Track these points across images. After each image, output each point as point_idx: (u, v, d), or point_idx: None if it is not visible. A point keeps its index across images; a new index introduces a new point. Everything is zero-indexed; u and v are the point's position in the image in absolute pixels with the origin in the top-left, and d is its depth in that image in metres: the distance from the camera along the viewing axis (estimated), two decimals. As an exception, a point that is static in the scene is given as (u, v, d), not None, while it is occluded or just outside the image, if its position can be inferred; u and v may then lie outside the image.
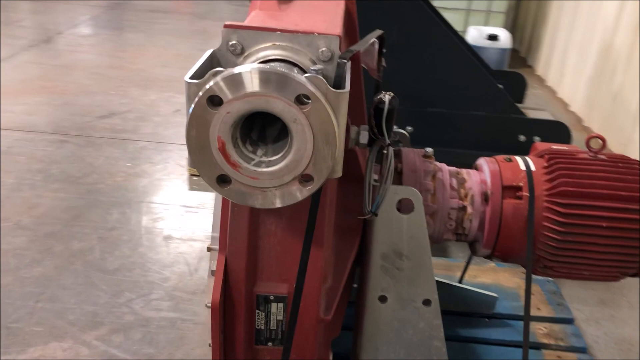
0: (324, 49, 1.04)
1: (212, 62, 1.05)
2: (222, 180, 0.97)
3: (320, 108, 0.91)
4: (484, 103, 3.07)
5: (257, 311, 1.29)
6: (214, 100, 0.91)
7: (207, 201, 3.19)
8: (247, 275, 1.24)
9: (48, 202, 3.08)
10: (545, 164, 1.62)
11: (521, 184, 1.59)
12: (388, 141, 1.27)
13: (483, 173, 1.67)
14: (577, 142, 1.79)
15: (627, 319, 2.49)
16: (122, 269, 2.60)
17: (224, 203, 1.25)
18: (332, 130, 0.93)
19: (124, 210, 3.08)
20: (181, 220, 3.04)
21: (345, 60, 1.02)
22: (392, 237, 1.45)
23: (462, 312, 2.20)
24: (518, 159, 1.66)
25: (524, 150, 1.79)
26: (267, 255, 1.25)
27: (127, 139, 3.93)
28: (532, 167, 1.62)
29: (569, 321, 2.27)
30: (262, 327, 1.31)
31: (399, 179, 1.61)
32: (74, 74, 5.16)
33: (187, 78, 0.93)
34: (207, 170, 0.96)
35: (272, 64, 1.00)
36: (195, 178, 3.43)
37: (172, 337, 2.23)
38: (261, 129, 1.03)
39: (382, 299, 1.49)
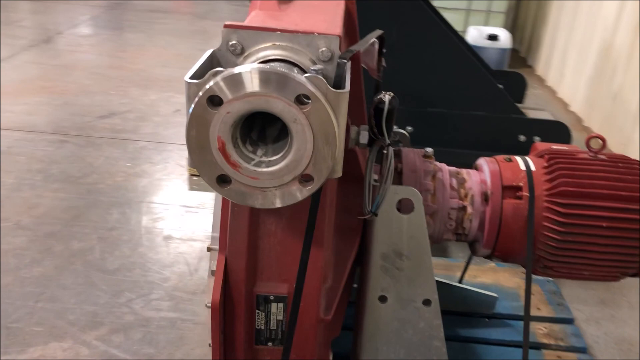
0: (324, 49, 1.04)
1: (212, 62, 1.05)
2: (222, 180, 0.97)
3: (320, 108, 0.91)
4: (484, 103, 3.07)
5: (257, 311, 1.29)
6: (214, 100, 0.91)
7: (207, 201, 3.19)
8: (247, 275, 1.24)
9: (48, 202, 3.08)
10: (545, 164, 1.62)
11: (521, 184, 1.59)
12: (388, 141, 1.27)
13: (483, 173, 1.67)
14: (577, 142, 1.79)
15: (627, 319, 2.49)
16: (122, 269, 2.60)
17: (224, 203, 1.25)
18: (332, 130, 0.93)
19: (124, 210, 3.08)
20: (181, 220, 3.04)
21: (345, 60, 1.03)
22: (392, 237, 1.45)
23: (462, 312, 2.20)
24: (518, 159, 1.66)
25: (524, 150, 1.80)
26: (267, 255, 1.25)
27: (127, 139, 3.93)
28: (532, 167, 1.62)
29: (569, 321, 2.27)
30: (262, 327, 1.31)
31: (399, 179, 1.61)
32: (74, 74, 5.16)
33: (187, 78, 0.93)
34: (207, 170, 0.96)
35: (272, 64, 1.00)
36: (195, 178, 3.43)
37: (172, 337, 2.23)
38: (261, 129, 1.03)
39: (382, 299, 1.49)
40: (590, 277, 1.62)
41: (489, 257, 1.69)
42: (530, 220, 1.55)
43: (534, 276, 1.63)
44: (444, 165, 1.69)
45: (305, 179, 0.96)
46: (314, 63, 1.05)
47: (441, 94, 3.05)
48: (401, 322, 1.51)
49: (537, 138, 2.96)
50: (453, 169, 1.70)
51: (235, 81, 0.90)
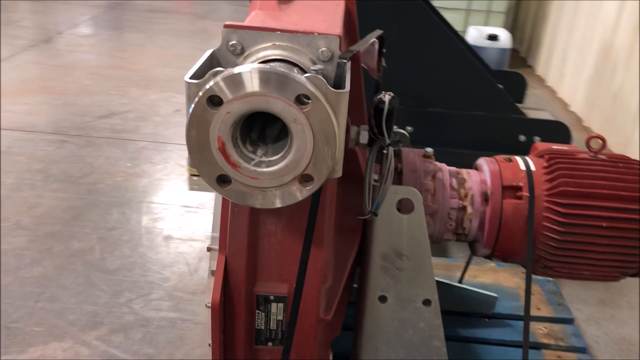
0: (324, 49, 1.04)
1: (212, 62, 1.05)
2: (222, 180, 0.97)
3: (320, 108, 0.91)
4: (484, 103, 3.07)
5: (257, 311, 1.29)
6: (214, 100, 0.91)
7: (207, 201, 3.19)
8: (247, 275, 1.24)
9: (48, 202, 3.08)
10: (545, 164, 1.62)
11: (521, 184, 1.59)
12: (388, 141, 1.27)
13: (483, 173, 1.67)
14: (577, 142, 1.79)
15: (627, 319, 2.49)
16: (122, 269, 2.60)
17: (224, 203, 1.25)
18: (332, 130, 0.93)
19: (124, 210, 3.08)
20: (181, 220, 3.04)
21: (345, 60, 1.03)
22: (392, 237, 1.45)
23: (462, 312, 2.20)
24: (518, 159, 1.66)
25: (524, 150, 1.79)
26: (267, 255, 1.25)
27: (127, 139, 3.93)
28: (532, 167, 1.62)
29: (569, 321, 2.27)
30: (262, 327, 1.31)
31: (399, 179, 1.61)
32: (74, 74, 5.16)
33: (187, 78, 0.93)
34: (207, 170, 0.96)
35: (272, 64, 1.00)
36: (195, 178, 3.43)
37: (172, 337, 2.23)
38: (261, 129, 1.03)
39: (382, 299, 1.49)
40: (590, 277, 1.62)
41: (489, 257, 1.69)
42: (530, 220, 1.55)
43: (534, 276, 1.63)
44: (444, 165, 1.69)
45: (305, 179, 0.96)
46: (314, 63, 1.05)
47: (441, 94, 3.05)
48: (401, 322, 1.51)
49: (537, 138, 2.96)
50: (453, 169, 1.70)
51: (235, 81, 0.90)
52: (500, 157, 1.69)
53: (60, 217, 2.96)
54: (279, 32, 1.05)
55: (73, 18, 7.13)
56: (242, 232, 1.21)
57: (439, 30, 3.04)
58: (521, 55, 6.62)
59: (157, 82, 5.04)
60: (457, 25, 4.59)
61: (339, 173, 0.99)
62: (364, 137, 1.25)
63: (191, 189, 3.39)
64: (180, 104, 4.55)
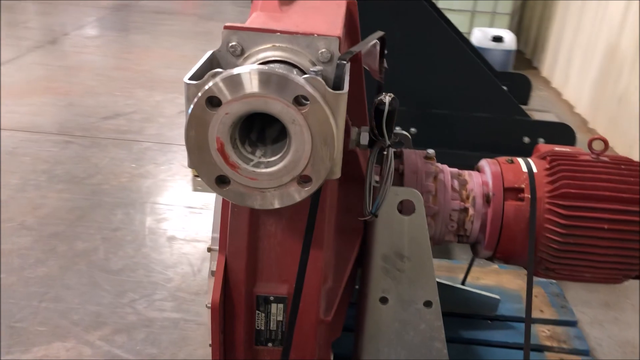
0: (323, 50, 1.04)
1: (212, 64, 1.06)
2: (221, 181, 0.98)
3: (318, 109, 0.92)
4: (488, 105, 3.06)
5: (257, 312, 1.29)
6: (213, 101, 0.92)
7: (211, 202, 3.16)
8: (247, 275, 1.25)
9: (53, 203, 3.10)
10: (547, 166, 1.61)
11: (523, 185, 1.59)
12: (388, 142, 1.27)
13: (485, 174, 1.67)
14: (582, 144, 1.78)
15: (631, 321, 2.48)
16: (125, 269, 2.61)
17: (224, 203, 1.25)
18: (330, 131, 0.93)
19: (128, 210, 3.09)
20: (185, 221, 3.05)
21: (344, 62, 1.03)
22: (393, 239, 1.45)
23: (464, 314, 2.19)
24: (520, 160, 1.66)
25: (528, 152, 1.79)
26: (267, 256, 1.25)
27: (131, 139, 3.95)
28: (534, 169, 1.61)
29: (572, 324, 2.26)
30: (262, 328, 1.31)
31: (400, 180, 1.61)
32: (80, 75, 5.18)
33: (186, 79, 0.94)
34: (206, 170, 0.97)
35: (271, 65, 1.00)
36: (199, 179, 3.43)
37: (175, 337, 2.23)
38: (261, 130, 1.03)
39: (383, 300, 1.49)
40: (591, 280, 1.61)
41: (491, 258, 1.69)
42: (531, 222, 1.55)
43: (537, 278, 1.63)
44: (445, 167, 1.69)
45: (303, 179, 0.97)
46: (314, 64, 1.05)
47: (445, 96, 3.05)
48: (402, 324, 1.51)
49: (541, 140, 2.95)
50: (455, 170, 1.70)
51: (234, 82, 0.91)
52: (502, 158, 1.69)
53: (65, 217, 2.97)
54: (278, 34, 1.05)
55: (79, 19, 7.17)
56: (242, 233, 1.22)
57: (443, 31, 3.03)
58: (526, 57, 6.61)
59: (162, 83, 5.06)
60: (462, 27, 4.59)
61: (337, 174, 1.00)
62: (365, 138, 1.25)
63: (195, 189, 3.39)
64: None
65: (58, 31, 6.69)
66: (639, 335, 2.39)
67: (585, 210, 1.52)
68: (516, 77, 4.31)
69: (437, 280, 1.61)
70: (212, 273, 1.30)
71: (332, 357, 1.50)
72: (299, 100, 0.91)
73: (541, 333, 2.18)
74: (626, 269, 1.58)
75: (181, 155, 3.76)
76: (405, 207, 1.44)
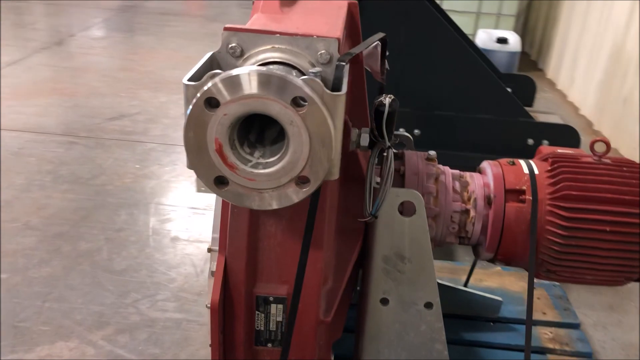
0: (322, 51, 1.05)
1: (212, 65, 1.06)
2: (220, 182, 0.98)
3: (316, 110, 0.92)
4: (492, 106, 3.06)
5: (256, 312, 1.29)
6: (212, 102, 0.92)
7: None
8: (246, 276, 1.25)
9: (57, 203, 3.11)
10: (549, 168, 1.61)
11: (524, 187, 1.59)
12: (388, 144, 1.27)
13: (486, 176, 1.67)
14: (586, 146, 1.78)
15: (634, 324, 2.47)
16: (129, 269, 2.62)
17: (224, 204, 1.26)
18: (328, 132, 0.93)
19: (132, 211, 3.10)
20: (188, 221, 3.06)
21: (343, 63, 1.03)
22: (393, 240, 1.45)
23: (467, 315, 2.19)
24: (522, 162, 1.66)
25: (532, 154, 1.79)
26: (266, 256, 1.26)
27: (136, 140, 3.96)
28: (536, 171, 1.61)
29: (575, 326, 2.25)
30: (262, 328, 1.31)
31: (401, 181, 1.61)
32: (85, 76, 5.20)
33: (185, 80, 0.94)
34: (204, 171, 0.97)
35: (270, 66, 1.01)
36: (202, 180, 3.44)
37: (177, 337, 2.24)
38: (260, 131, 1.04)
39: (384, 301, 1.49)
40: (593, 282, 1.61)
41: (492, 260, 1.68)
42: (533, 224, 1.55)
43: (541, 280, 1.62)
44: (447, 168, 1.69)
45: (301, 180, 0.97)
46: (313, 66, 1.06)
47: (449, 97, 3.05)
48: (403, 325, 1.51)
49: (545, 142, 2.94)
50: (456, 172, 1.70)
51: (232, 83, 0.91)
52: (504, 160, 1.69)
53: (69, 217, 2.99)
54: (278, 35, 1.06)
55: (85, 21, 7.19)
56: (242, 233, 1.22)
57: (447, 33, 3.04)
58: (532, 59, 6.59)
59: (167, 84, 5.07)
60: (466, 28, 4.58)
61: (335, 175, 1.00)
62: (365, 140, 1.25)
63: (199, 190, 3.37)
64: (189, 106, 4.56)
65: (64, 32, 6.72)
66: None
67: (587, 212, 1.52)
68: (520, 78, 4.30)
69: (439, 281, 1.61)
70: (212, 273, 1.30)
71: (332, 358, 1.50)
72: (297, 102, 0.91)
73: (544, 335, 2.18)
74: (628, 271, 1.57)
75: (185, 156, 3.76)
76: (406, 209, 1.44)
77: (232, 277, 1.25)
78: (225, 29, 1.06)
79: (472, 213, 1.62)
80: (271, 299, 1.28)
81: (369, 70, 1.58)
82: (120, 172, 3.50)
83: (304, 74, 1.01)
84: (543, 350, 2.11)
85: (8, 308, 2.32)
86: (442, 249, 2.65)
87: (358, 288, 1.62)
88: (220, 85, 0.92)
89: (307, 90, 0.91)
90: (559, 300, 2.39)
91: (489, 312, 2.20)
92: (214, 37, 6.73)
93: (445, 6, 5.17)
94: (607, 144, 1.61)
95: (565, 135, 3.04)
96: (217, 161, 0.95)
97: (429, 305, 1.50)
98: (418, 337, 1.51)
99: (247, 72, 0.91)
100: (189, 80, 0.94)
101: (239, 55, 1.06)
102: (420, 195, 1.44)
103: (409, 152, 1.68)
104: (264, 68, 0.94)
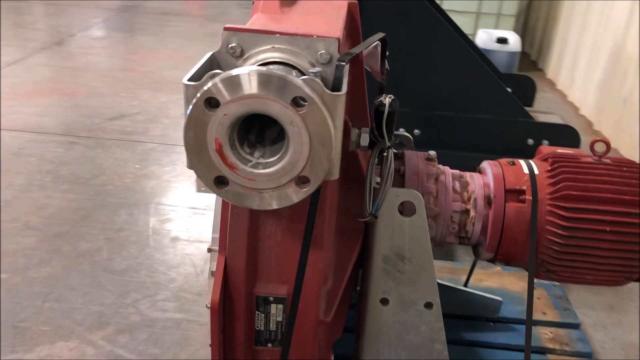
0: (322, 51, 1.05)
1: (212, 65, 1.06)
2: (220, 182, 0.98)
3: (316, 110, 0.92)
4: (492, 106, 3.06)
5: (256, 312, 1.29)
6: (212, 102, 0.92)
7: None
8: (246, 276, 1.25)
9: (57, 203, 3.11)
10: (549, 168, 1.61)
11: (524, 187, 1.59)
12: (388, 144, 1.27)
13: (486, 176, 1.67)
14: (586, 146, 1.78)
15: (634, 324, 2.47)
16: (129, 269, 2.62)
17: (224, 204, 1.26)
18: (328, 132, 0.93)
19: (132, 211, 3.10)
20: (188, 221, 3.06)
21: (343, 63, 1.03)
22: (393, 240, 1.45)
23: (466, 315, 2.19)
24: (522, 162, 1.66)
25: (532, 154, 1.79)
26: (267, 256, 1.26)
27: (136, 140, 3.96)
28: (536, 171, 1.61)
29: (575, 326, 2.25)
30: (262, 328, 1.31)
31: (401, 181, 1.61)
32: (85, 76, 5.20)
33: (185, 80, 0.94)
34: (204, 171, 0.97)
35: (270, 66, 1.01)
36: (203, 180, 3.44)
37: (178, 337, 2.24)
38: (260, 131, 1.04)
39: (384, 301, 1.49)
40: (593, 282, 1.61)
41: (492, 260, 1.68)
42: (533, 224, 1.55)
43: (541, 280, 1.62)
44: (447, 168, 1.69)
45: (301, 180, 0.97)
46: (313, 66, 1.06)
47: (449, 97, 3.05)
48: (403, 325, 1.51)
49: (545, 142, 2.95)
50: (456, 172, 1.70)
51: (232, 83, 0.91)
52: (504, 160, 1.69)
53: (69, 217, 2.99)
54: (278, 35, 1.06)
55: (85, 21, 7.19)
56: (242, 233, 1.22)
57: (447, 33, 3.04)
58: (532, 59, 6.59)
59: (167, 84, 5.07)
60: (466, 28, 4.58)
61: (335, 175, 1.00)
62: (365, 140, 1.25)
63: (199, 190, 3.37)
64: (189, 106, 4.56)
65: (64, 32, 6.72)
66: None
67: (587, 212, 1.52)
68: (521, 78, 4.30)
69: (439, 281, 1.61)
70: (212, 273, 1.30)
71: (332, 358, 1.50)
72: (297, 102, 0.91)
73: (544, 335, 2.18)
74: (628, 271, 1.57)
75: (185, 156, 3.76)
76: (406, 209, 1.44)
77: (232, 277, 1.25)
78: (225, 29, 1.06)
79: (472, 213, 1.62)
80: (271, 299, 1.28)
81: (369, 70, 1.58)
82: (120, 172, 3.50)
83: (304, 74, 1.01)
84: (543, 350, 2.11)
85: (8, 308, 2.32)
86: (442, 249, 2.65)
87: (358, 288, 1.62)
88: (220, 85, 0.92)
89: (307, 90, 0.91)
90: (559, 300, 2.39)
91: (489, 312, 2.20)
92: (214, 37, 6.73)
93: (445, 6, 5.17)
94: (607, 144, 1.61)
95: (565, 135, 3.04)
96: (217, 161, 0.95)
97: (429, 305, 1.50)
98: (418, 337, 1.51)
99: (247, 72, 0.91)
100: (189, 80, 0.94)
101: (239, 55, 1.06)
102: (420, 195, 1.44)
103: (409, 152, 1.68)
104: (264, 68, 0.94)
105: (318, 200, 1.13)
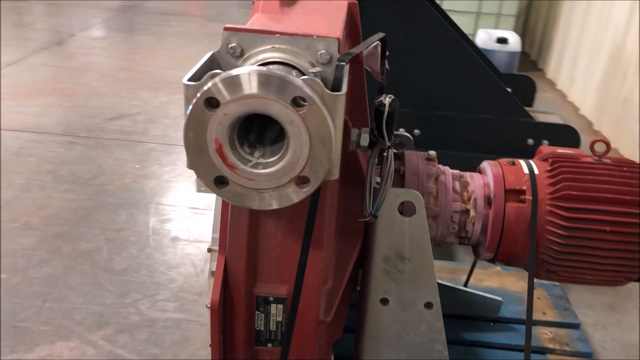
0: (322, 51, 1.05)
1: (212, 65, 1.06)
2: (220, 182, 0.98)
3: (316, 110, 0.92)
4: (492, 106, 3.06)
5: (256, 312, 1.29)
6: (212, 102, 0.92)
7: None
8: (246, 276, 1.25)
9: (57, 203, 3.11)
10: (549, 168, 1.61)
11: (524, 187, 1.59)
12: (388, 144, 1.27)
13: (486, 176, 1.67)
14: (586, 146, 1.78)
15: (635, 324, 2.47)
16: (129, 269, 2.62)
17: (224, 204, 1.26)
18: (328, 132, 0.93)
19: (132, 211, 3.10)
20: (188, 221, 3.06)
21: (343, 63, 1.03)
22: (393, 240, 1.45)
23: (466, 315, 2.19)
24: (522, 162, 1.66)
25: (532, 154, 1.79)
26: (266, 256, 1.26)
27: (136, 140, 3.96)
28: (536, 171, 1.61)
29: (575, 326, 2.25)
30: (262, 328, 1.31)
31: (401, 181, 1.61)
32: (85, 76, 5.20)
33: (185, 80, 0.94)
34: (204, 171, 0.97)
35: (270, 66, 1.01)
36: (203, 180, 3.44)
37: (177, 337, 2.24)
38: (260, 131, 1.04)
39: (384, 301, 1.49)
40: (593, 282, 1.61)
41: (492, 260, 1.68)
42: (533, 224, 1.55)
43: (541, 280, 1.62)
44: (447, 168, 1.69)
45: (301, 180, 0.97)
46: (313, 66, 1.06)
47: (449, 97, 3.05)
48: (403, 325, 1.51)
49: (545, 142, 2.95)
50: (456, 172, 1.70)
51: (232, 83, 0.91)
52: (504, 160, 1.69)
53: (69, 217, 2.99)
54: (278, 35, 1.06)
55: (85, 21, 7.19)
56: (242, 233, 1.22)
57: (447, 33, 3.04)
58: (532, 59, 6.59)
59: (167, 84, 5.07)
60: (467, 28, 4.58)
61: (335, 175, 1.00)
62: (365, 140, 1.25)
63: (199, 190, 3.37)
64: (189, 106, 4.56)
65: (64, 32, 6.72)
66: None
67: (587, 212, 1.52)
68: (520, 78, 4.30)
69: (439, 281, 1.61)
70: (212, 273, 1.30)
71: (332, 358, 1.50)
72: (297, 102, 0.91)
73: (543, 335, 2.18)
74: (628, 271, 1.57)
75: (185, 156, 3.76)
76: (406, 209, 1.44)
77: (232, 277, 1.25)
78: (225, 29, 1.06)
79: (472, 213, 1.62)
80: (271, 299, 1.28)
81: (369, 70, 1.58)
82: (120, 172, 3.50)
83: (304, 74, 1.01)
84: (543, 350, 2.11)
85: (8, 308, 2.32)
86: (443, 249, 2.65)
87: (358, 288, 1.62)
88: (220, 85, 0.92)
89: (307, 90, 0.91)
90: (559, 300, 2.39)
91: (489, 312, 2.20)
92: (214, 37, 6.73)
93: (445, 6, 5.17)
94: (607, 144, 1.61)
95: (565, 135, 3.04)
96: (217, 161, 0.95)
97: (429, 305, 1.50)
98: (418, 337, 1.51)
99: (247, 72, 0.91)
100: (189, 80, 0.94)
101: (239, 55, 1.06)
102: (420, 195, 1.44)
103: (409, 152, 1.68)
104: (263, 68, 0.94)
105: (318, 200, 1.13)
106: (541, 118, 4.07)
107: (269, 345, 1.32)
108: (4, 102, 4.37)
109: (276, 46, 1.06)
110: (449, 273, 2.49)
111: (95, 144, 3.86)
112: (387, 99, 1.24)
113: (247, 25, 1.11)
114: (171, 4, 8.29)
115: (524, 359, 1.60)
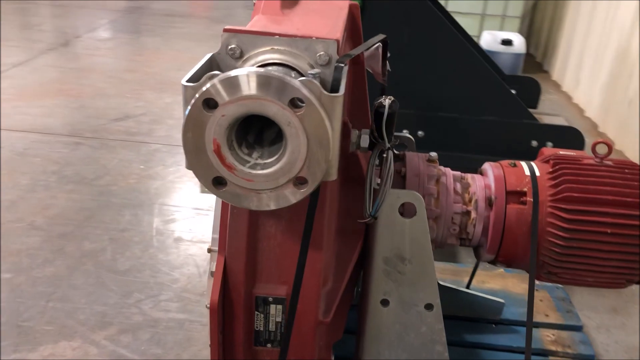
0: (321, 53, 1.05)
1: (212, 66, 1.07)
2: (218, 182, 0.99)
3: (313, 112, 0.92)
4: (496, 108, 3.06)
5: (256, 312, 1.30)
6: (210, 103, 0.93)
7: (218, 204, 3.21)
8: (246, 276, 1.26)
9: (62, 203, 3.13)
10: (550, 170, 1.61)
11: (525, 189, 1.59)
12: (388, 145, 1.27)
13: (487, 178, 1.67)
14: (590, 148, 1.79)
15: (638, 327, 2.45)
16: (132, 269, 2.63)
17: (224, 205, 1.26)
18: (326, 133, 0.94)
19: (135, 212, 3.11)
20: (192, 222, 3.06)
21: (342, 64, 1.03)
22: (394, 241, 1.45)
23: (469, 317, 2.18)
24: (523, 164, 1.66)
25: (536, 156, 1.79)
26: (266, 257, 1.26)
27: (140, 141, 3.98)
28: (537, 173, 1.61)
29: (578, 328, 2.24)
30: (261, 329, 1.31)
31: (402, 182, 1.61)
32: (91, 77, 5.23)
33: (184, 81, 0.95)
34: (203, 172, 0.98)
35: (269, 67, 1.01)
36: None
37: (180, 337, 2.25)
38: (258, 132, 1.04)
39: (384, 302, 1.49)
40: (594, 284, 1.61)
41: (493, 262, 1.68)
42: (534, 226, 1.54)
43: (543, 283, 1.61)
44: (448, 170, 1.69)
45: (299, 181, 0.97)
46: (312, 67, 1.06)
47: (453, 99, 3.05)
48: (403, 326, 1.51)
49: (549, 144, 2.94)
50: (457, 173, 1.70)
51: (230, 84, 0.92)
52: (505, 162, 1.68)
53: (74, 218, 3.00)
54: (277, 36, 1.06)
55: (92, 22, 7.23)
56: (242, 234, 1.23)
57: (449, 34, 3.03)
58: (537, 61, 6.57)
59: (172, 85, 5.09)
60: (471, 30, 4.57)
61: (333, 176, 1.00)
62: (365, 141, 1.26)
63: (202, 191, 3.38)
64: (194, 107, 4.58)
65: (70, 34, 6.75)
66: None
67: (588, 215, 1.52)
68: (525, 80, 4.29)
69: (442, 283, 1.61)
70: (212, 274, 1.31)
71: (333, 359, 1.50)
72: (295, 103, 0.92)
73: (546, 337, 2.17)
74: (629, 273, 1.57)
75: (189, 157, 3.78)
76: (406, 210, 1.44)
77: (231, 278, 1.26)
78: (225, 30, 1.07)
79: (473, 214, 1.62)
80: (270, 299, 1.28)
81: (370, 71, 1.59)
82: (124, 173, 3.52)
83: (303, 76, 1.01)
84: (545, 353, 2.10)
85: (12, 308, 2.33)
86: (446, 251, 2.65)
87: (359, 289, 1.62)
88: (218, 86, 0.92)
89: (305, 91, 0.92)
90: (561, 302, 2.38)
91: (491, 314, 2.20)
92: (220, 39, 6.74)
93: (450, 7, 5.16)
94: (609, 146, 1.61)
95: (570, 137, 3.03)
96: (215, 162, 0.96)
97: (429, 307, 1.50)
98: (418, 338, 1.51)
99: (246, 73, 0.92)
100: (188, 81, 0.95)
101: (239, 57, 1.07)
102: (421, 196, 1.44)
103: (410, 154, 1.68)
104: (262, 69, 0.95)
105: (317, 201, 1.13)
106: (546, 120, 4.06)
107: (269, 345, 1.33)
108: (10, 103, 4.40)
109: (275, 47, 1.07)
110: (452, 275, 2.48)
111: (100, 145, 3.88)
112: (386, 100, 1.24)
113: (247, 27, 1.12)
114: (177, 5, 8.32)
115: (525, 361, 1.60)
